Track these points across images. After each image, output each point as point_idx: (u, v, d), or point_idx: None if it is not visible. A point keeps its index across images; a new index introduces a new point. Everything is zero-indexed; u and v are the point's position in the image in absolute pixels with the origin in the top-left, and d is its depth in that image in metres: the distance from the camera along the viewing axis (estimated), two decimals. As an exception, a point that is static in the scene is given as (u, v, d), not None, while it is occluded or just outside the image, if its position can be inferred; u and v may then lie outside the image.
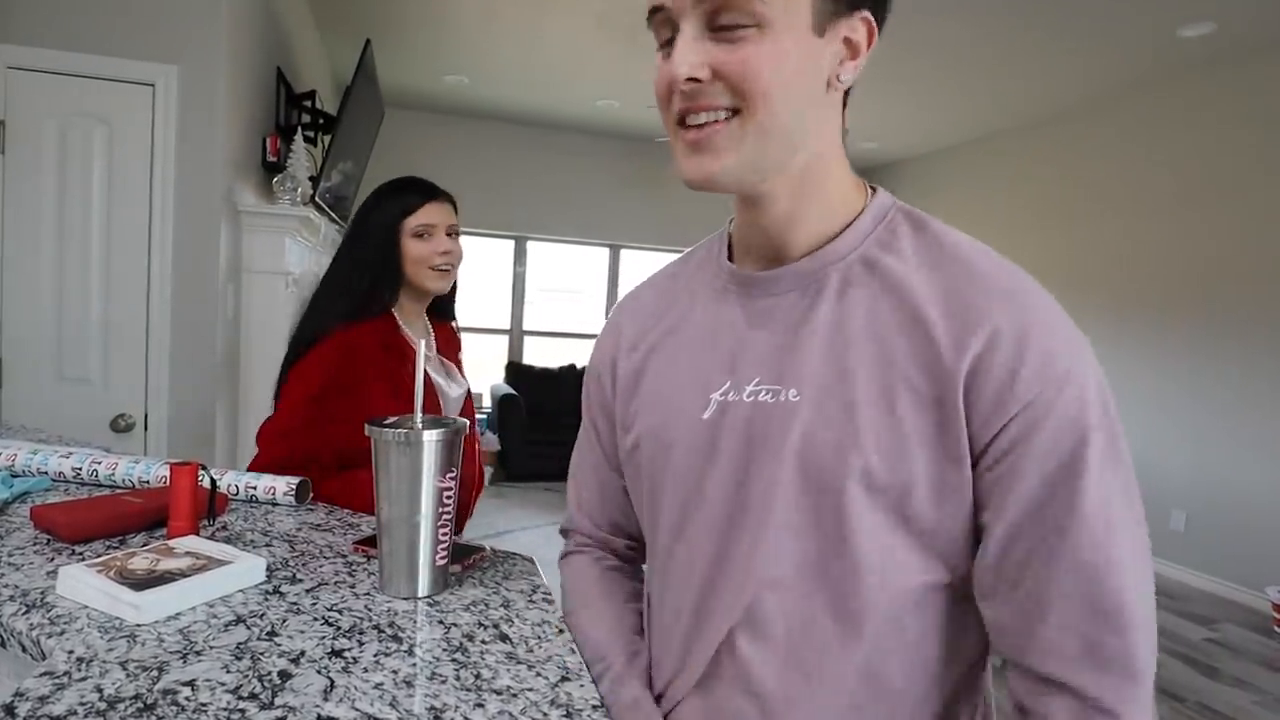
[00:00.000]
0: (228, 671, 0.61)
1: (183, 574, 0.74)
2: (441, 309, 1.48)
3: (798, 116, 0.58)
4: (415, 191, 1.32)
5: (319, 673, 0.62)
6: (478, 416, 1.60)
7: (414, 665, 0.65)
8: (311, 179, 3.11)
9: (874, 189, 0.69)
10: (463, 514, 1.50)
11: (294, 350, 1.28)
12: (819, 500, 0.60)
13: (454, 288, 1.44)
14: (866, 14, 0.58)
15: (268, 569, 0.83)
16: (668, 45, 0.58)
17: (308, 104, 3.52)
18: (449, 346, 1.48)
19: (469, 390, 1.48)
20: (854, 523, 0.58)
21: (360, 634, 0.70)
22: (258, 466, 1.19)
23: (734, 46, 0.55)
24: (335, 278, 1.32)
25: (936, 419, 0.57)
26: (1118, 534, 0.55)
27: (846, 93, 0.63)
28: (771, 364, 0.64)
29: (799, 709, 0.62)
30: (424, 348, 0.84)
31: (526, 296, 6.61)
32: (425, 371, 1.25)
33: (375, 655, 0.66)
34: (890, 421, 0.57)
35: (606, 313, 6.80)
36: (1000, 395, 0.55)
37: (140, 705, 0.55)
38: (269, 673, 0.61)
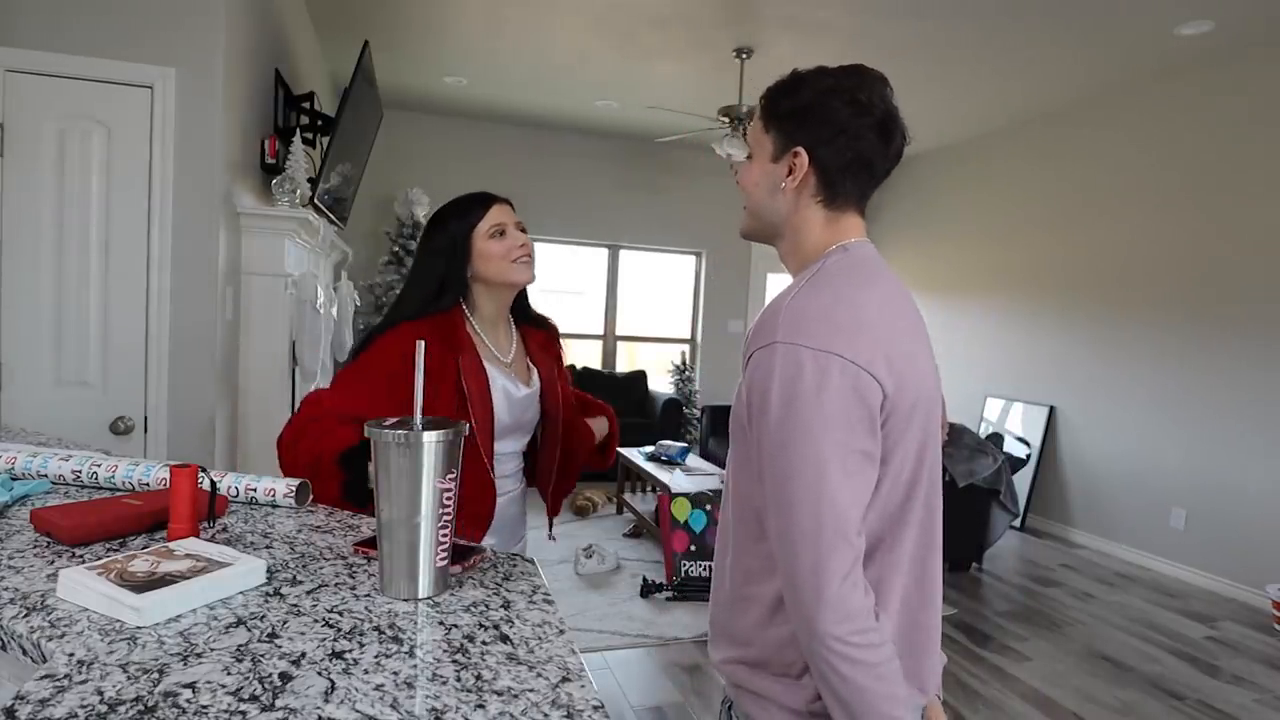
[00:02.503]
0: (228, 674, 0.61)
1: (183, 576, 0.74)
2: (524, 313, 1.54)
3: (762, 205, 0.98)
4: (477, 202, 1.40)
5: (320, 674, 0.62)
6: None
7: (415, 666, 0.65)
8: (310, 181, 3.11)
9: (844, 247, 0.94)
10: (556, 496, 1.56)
11: (360, 344, 1.35)
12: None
13: (524, 293, 1.52)
14: (799, 150, 0.92)
15: (268, 571, 0.83)
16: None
17: (306, 106, 3.52)
18: (543, 349, 1.54)
19: (542, 389, 1.50)
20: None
21: (361, 635, 0.70)
22: (291, 426, 1.26)
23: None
24: (405, 289, 1.41)
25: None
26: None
27: (833, 192, 0.94)
28: None
29: None
30: (422, 348, 0.83)
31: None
32: (486, 369, 1.33)
33: (376, 657, 0.66)
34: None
35: (606, 313, 6.80)
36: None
37: (141, 708, 0.55)
38: (270, 675, 0.61)
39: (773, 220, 0.97)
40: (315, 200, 3.14)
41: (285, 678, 0.61)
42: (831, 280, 0.88)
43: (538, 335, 1.54)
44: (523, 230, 1.42)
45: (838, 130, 0.89)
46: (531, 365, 1.49)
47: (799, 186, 0.93)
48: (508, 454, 1.44)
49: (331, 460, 1.16)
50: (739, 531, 0.92)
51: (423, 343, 0.83)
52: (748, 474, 0.87)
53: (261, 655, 0.64)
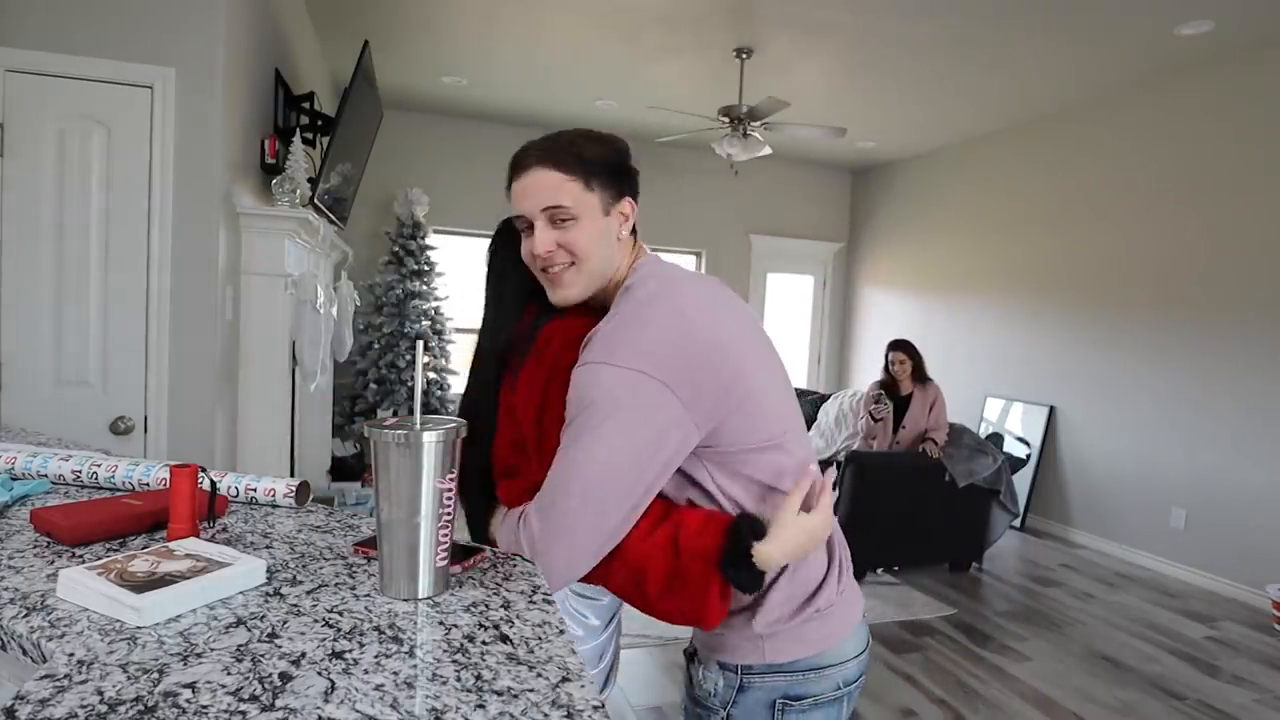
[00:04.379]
0: (228, 674, 0.61)
1: (183, 576, 0.74)
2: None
3: (602, 261, 1.01)
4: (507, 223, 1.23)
5: (320, 674, 0.62)
6: None
7: (415, 666, 0.65)
8: (310, 181, 3.11)
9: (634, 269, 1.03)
10: None
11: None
12: None
13: None
14: (629, 198, 1.03)
15: (268, 571, 0.83)
16: (529, 230, 1.01)
17: (306, 106, 3.52)
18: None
19: None
20: None
21: (361, 635, 0.70)
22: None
23: (565, 230, 0.98)
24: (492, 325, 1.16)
25: None
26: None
27: (634, 231, 1.06)
28: None
29: None
30: (421, 348, 0.84)
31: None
32: None
33: (376, 657, 0.66)
34: None
35: (606, 313, 6.79)
36: None
37: (141, 708, 0.55)
38: (270, 675, 0.61)
39: (611, 270, 1.02)
40: (315, 200, 3.14)
41: (285, 678, 0.61)
42: (639, 301, 0.96)
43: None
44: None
45: (633, 177, 1.04)
46: None
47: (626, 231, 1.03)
48: None
49: (712, 566, 0.92)
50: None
51: (421, 342, 0.84)
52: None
53: (261, 655, 0.64)
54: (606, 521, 0.90)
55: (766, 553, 0.90)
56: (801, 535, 0.93)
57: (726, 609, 0.93)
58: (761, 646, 0.98)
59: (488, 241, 1.24)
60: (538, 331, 1.06)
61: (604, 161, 0.99)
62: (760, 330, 1.04)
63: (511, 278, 1.14)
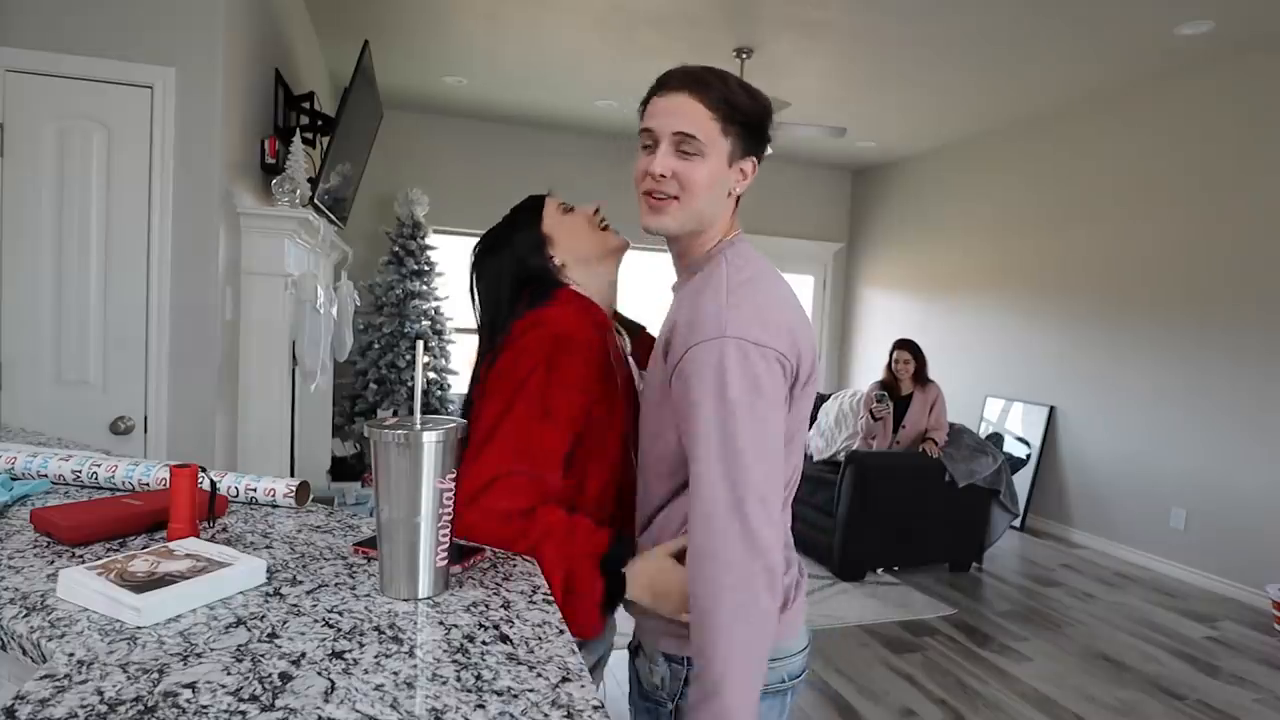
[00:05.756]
0: (228, 674, 0.61)
1: (183, 576, 0.74)
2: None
3: (708, 206, 0.99)
4: (530, 205, 1.25)
5: (320, 674, 0.62)
6: None
7: (415, 666, 0.65)
8: (310, 181, 3.11)
9: (731, 242, 1.03)
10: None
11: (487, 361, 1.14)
12: None
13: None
14: (754, 158, 1.01)
15: (268, 571, 0.83)
16: (649, 149, 0.99)
17: (306, 105, 3.52)
18: (645, 353, 1.33)
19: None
20: None
21: (361, 635, 0.70)
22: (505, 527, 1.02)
23: (688, 161, 0.96)
24: (485, 320, 1.21)
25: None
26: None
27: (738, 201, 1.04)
28: None
29: None
30: (421, 348, 0.83)
31: (526, 297, 6.58)
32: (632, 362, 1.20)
33: (376, 657, 0.66)
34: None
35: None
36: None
37: (141, 708, 0.55)
38: (270, 675, 0.61)
39: (710, 220, 1.01)
40: (315, 200, 3.13)
41: (285, 678, 0.61)
42: (748, 278, 0.96)
43: (641, 338, 1.36)
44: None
45: (765, 141, 1.02)
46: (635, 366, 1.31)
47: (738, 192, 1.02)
48: None
49: (593, 568, 0.95)
50: (654, 484, 1.04)
51: (421, 342, 0.84)
52: (674, 449, 0.97)
53: (261, 655, 0.64)
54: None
55: (634, 570, 0.97)
56: (656, 576, 0.97)
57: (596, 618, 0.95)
58: None
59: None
60: (513, 323, 1.09)
61: (748, 113, 0.97)
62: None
63: (507, 280, 1.18)
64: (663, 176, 0.96)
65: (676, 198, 0.97)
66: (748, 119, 0.97)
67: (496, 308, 1.17)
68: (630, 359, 1.26)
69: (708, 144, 0.95)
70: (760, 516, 0.86)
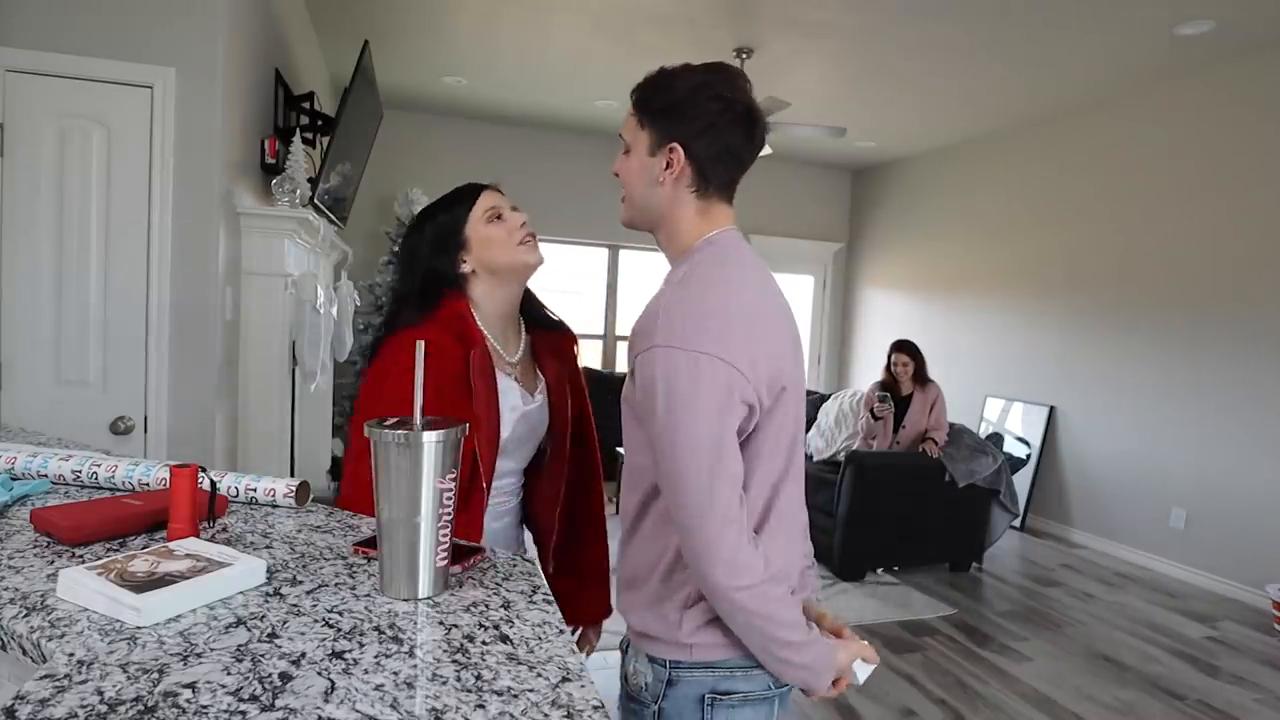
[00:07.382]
0: (228, 674, 0.61)
1: (183, 576, 0.74)
2: (535, 315, 1.42)
3: (641, 197, 1.05)
4: (465, 193, 1.31)
5: (320, 674, 0.62)
6: None
7: (414, 666, 0.65)
8: (310, 181, 3.11)
9: (709, 240, 1.03)
10: (545, 536, 1.41)
11: (368, 360, 1.27)
12: None
13: (529, 294, 1.40)
14: (677, 143, 0.99)
15: (268, 571, 0.83)
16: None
17: (306, 106, 3.52)
18: (554, 354, 1.40)
19: (549, 398, 1.37)
20: None
21: (361, 635, 0.70)
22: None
23: (623, 160, 1.06)
24: (393, 301, 1.32)
25: None
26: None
27: (705, 183, 1.02)
28: None
29: None
30: (421, 348, 0.82)
31: (526, 297, 6.59)
32: (499, 377, 1.22)
33: (376, 657, 0.66)
34: None
35: (606, 313, 6.80)
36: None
37: (141, 708, 0.55)
38: (270, 675, 0.61)
39: (651, 211, 1.05)
40: (315, 200, 3.14)
41: (285, 678, 0.61)
42: (702, 280, 0.97)
43: (548, 338, 1.40)
44: (519, 211, 1.31)
45: (707, 125, 0.98)
46: (539, 373, 1.36)
47: (676, 179, 1.01)
48: (507, 473, 1.31)
49: None
50: (638, 499, 1.04)
51: (423, 343, 0.82)
52: (645, 456, 0.97)
53: (261, 655, 0.64)
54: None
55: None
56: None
57: None
58: (689, 647, 0.99)
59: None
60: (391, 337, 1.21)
61: (660, 101, 1.01)
62: (795, 333, 1.07)
63: (418, 272, 1.28)
64: (616, 175, 1.08)
65: (625, 195, 1.07)
66: (662, 105, 1.00)
67: (398, 300, 1.29)
68: (536, 368, 1.36)
69: (631, 140, 1.04)
70: (716, 534, 0.89)
